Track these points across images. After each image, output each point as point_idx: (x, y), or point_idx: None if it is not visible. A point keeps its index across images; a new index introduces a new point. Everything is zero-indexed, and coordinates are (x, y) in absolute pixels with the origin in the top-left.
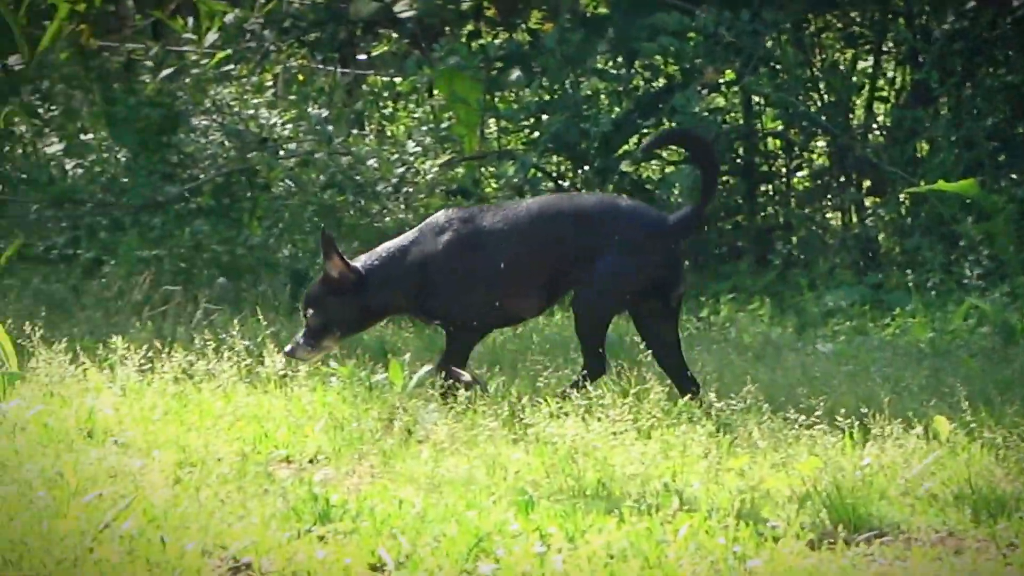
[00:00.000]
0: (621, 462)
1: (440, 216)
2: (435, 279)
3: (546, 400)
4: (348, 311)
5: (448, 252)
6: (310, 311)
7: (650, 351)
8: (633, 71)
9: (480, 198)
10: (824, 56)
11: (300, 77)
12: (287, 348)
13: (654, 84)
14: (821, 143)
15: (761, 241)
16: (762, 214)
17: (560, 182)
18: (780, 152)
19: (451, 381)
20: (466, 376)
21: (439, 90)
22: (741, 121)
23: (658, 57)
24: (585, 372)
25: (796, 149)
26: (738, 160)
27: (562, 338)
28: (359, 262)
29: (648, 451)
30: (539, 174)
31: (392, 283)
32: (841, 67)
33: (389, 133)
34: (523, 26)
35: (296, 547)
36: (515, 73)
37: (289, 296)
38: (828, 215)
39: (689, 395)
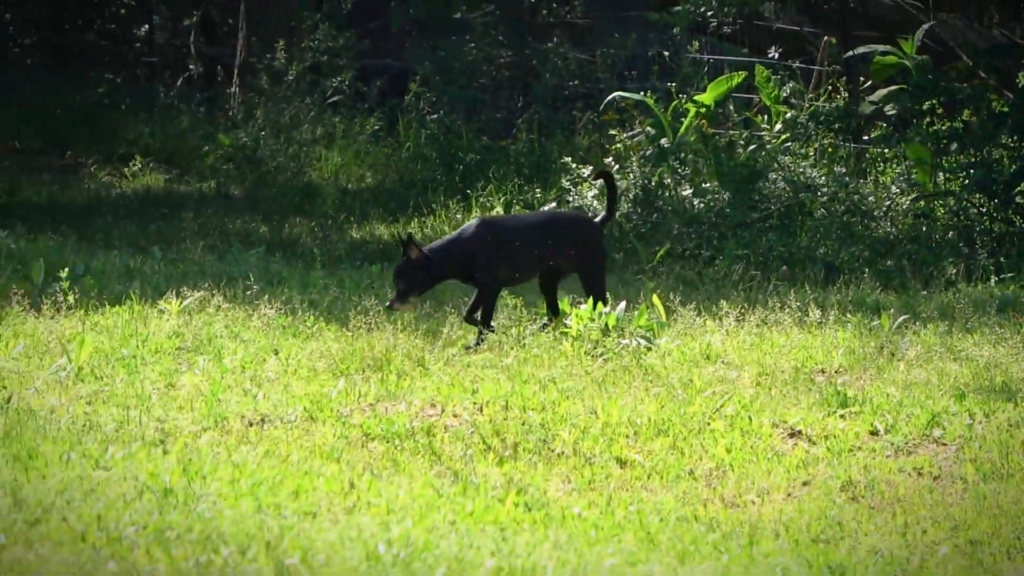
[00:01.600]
0: (1017, 370)
1: (474, 222)
2: (478, 261)
3: (971, 334)
4: (422, 279)
5: (484, 244)
6: (400, 280)
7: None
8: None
9: (935, 219)
10: None
11: (830, 150)
12: (387, 304)
13: None
14: None
15: None
16: None
17: (974, 208)
18: None
19: (485, 330)
20: (493, 326)
21: (909, 155)
22: None
23: None
24: (607, 308)
25: None
26: None
27: (981, 299)
28: (427, 249)
29: None
30: (968, 204)
31: (447, 262)
32: None
33: (881, 181)
34: (959, 118)
35: (828, 421)
36: (954, 145)
37: (823, 277)
38: None
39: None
